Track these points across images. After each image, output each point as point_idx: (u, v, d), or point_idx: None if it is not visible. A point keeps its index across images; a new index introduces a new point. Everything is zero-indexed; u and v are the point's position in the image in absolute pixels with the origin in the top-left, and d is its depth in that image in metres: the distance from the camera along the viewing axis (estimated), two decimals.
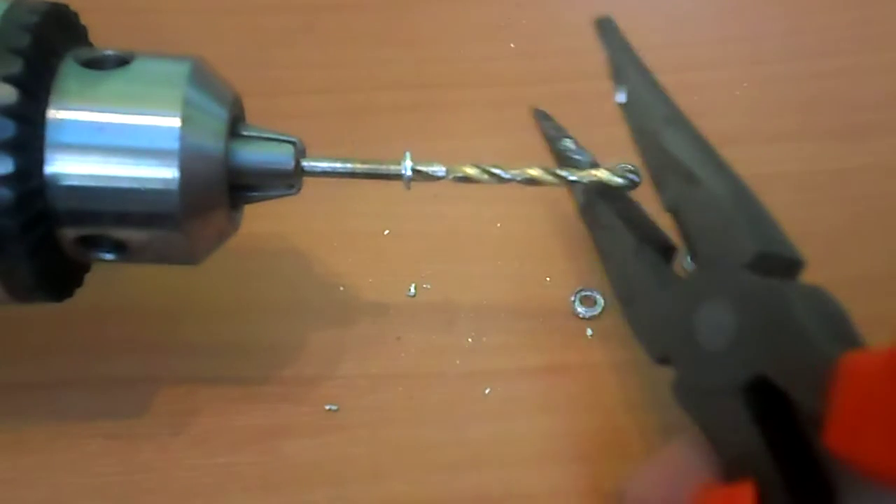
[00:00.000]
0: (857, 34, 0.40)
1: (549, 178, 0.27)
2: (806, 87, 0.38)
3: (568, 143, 0.30)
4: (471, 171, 0.27)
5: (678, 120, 0.25)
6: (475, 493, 0.28)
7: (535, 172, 0.27)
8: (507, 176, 0.27)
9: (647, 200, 0.28)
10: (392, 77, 0.39)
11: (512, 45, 0.40)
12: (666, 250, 0.26)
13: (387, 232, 0.34)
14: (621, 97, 0.27)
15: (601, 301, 0.32)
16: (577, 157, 0.29)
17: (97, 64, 0.24)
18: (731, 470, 0.21)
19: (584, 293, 0.32)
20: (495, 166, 0.27)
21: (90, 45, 0.26)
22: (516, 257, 0.33)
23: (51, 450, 0.28)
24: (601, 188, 0.27)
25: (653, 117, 0.25)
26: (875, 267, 0.32)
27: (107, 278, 0.30)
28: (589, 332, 0.31)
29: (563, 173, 0.27)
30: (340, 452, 0.29)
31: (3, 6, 0.23)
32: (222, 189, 0.24)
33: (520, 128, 0.37)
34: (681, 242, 0.25)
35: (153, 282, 0.32)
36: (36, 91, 0.23)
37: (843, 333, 0.21)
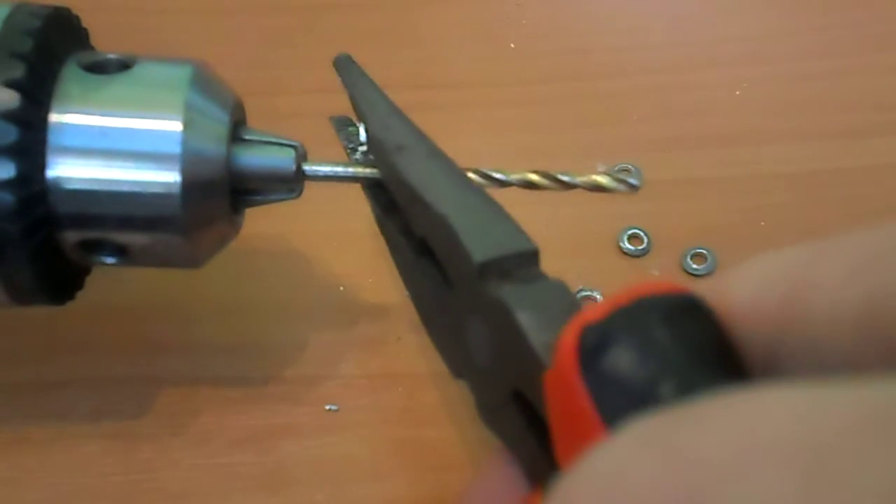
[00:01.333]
0: (857, 34, 0.40)
1: (548, 182, 0.27)
2: (806, 87, 0.38)
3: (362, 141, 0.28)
4: (470, 176, 0.27)
5: (414, 145, 0.25)
6: None
7: (534, 177, 0.27)
8: (506, 179, 0.27)
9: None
10: (392, 77, 0.38)
11: (512, 45, 0.40)
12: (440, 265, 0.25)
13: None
14: (363, 133, 0.27)
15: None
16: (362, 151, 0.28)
17: (99, 68, 0.24)
18: (530, 482, 0.21)
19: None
20: (495, 170, 0.27)
21: (92, 48, 0.26)
22: None
23: (51, 450, 0.28)
24: (387, 201, 0.26)
25: (387, 149, 0.25)
26: None
27: (107, 278, 0.30)
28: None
29: (564, 178, 0.27)
30: (340, 452, 0.29)
31: (4, 10, 0.23)
32: (224, 193, 0.24)
33: (520, 128, 0.37)
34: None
35: (153, 282, 0.32)
36: (38, 95, 0.23)
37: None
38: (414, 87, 0.38)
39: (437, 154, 0.25)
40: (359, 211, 0.34)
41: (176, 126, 0.23)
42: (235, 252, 0.31)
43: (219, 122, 0.24)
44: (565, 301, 0.20)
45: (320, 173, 0.26)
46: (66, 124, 0.23)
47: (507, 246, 0.22)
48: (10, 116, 0.22)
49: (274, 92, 0.37)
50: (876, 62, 0.39)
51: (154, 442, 0.29)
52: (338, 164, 0.26)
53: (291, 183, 0.26)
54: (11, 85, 0.22)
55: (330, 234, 0.33)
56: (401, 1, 0.41)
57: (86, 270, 0.27)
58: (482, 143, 0.36)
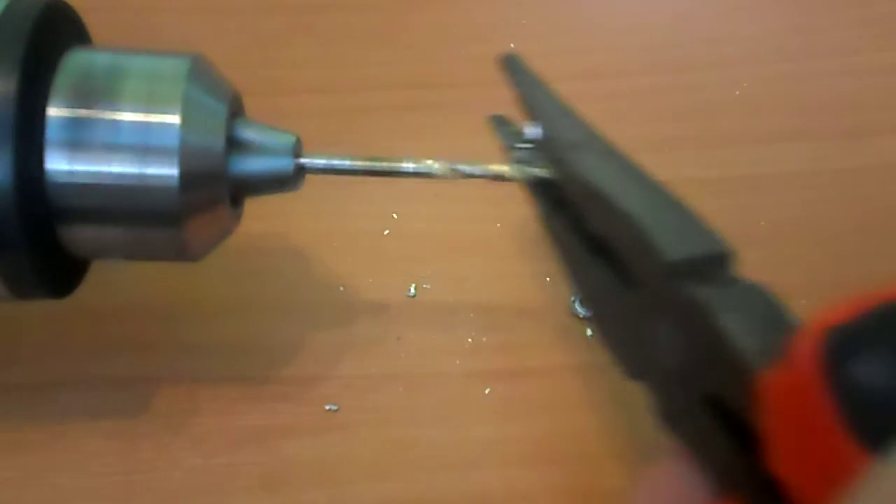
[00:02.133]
0: (857, 34, 0.40)
1: (518, 174, 0.26)
2: (806, 87, 0.38)
3: (529, 133, 0.28)
4: (442, 166, 0.26)
5: (588, 142, 0.25)
6: (475, 493, 0.28)
7: (504, 169, 0.27)
8: (476, 172, 0.26)
9: None
10: (392, 77, 0.39)
11: (512, 45, 0.40)
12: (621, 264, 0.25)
13: (387, 232, 0.34)
14: (536, 131, 0.26)
15: None
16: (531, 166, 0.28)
17: (97, 61, 0.24)
18: (718, 488, 0.20)
19: None
20: (464, 162, 0.27)
21: (90, 41, 0.26)
22: (516, 257, 0.33)
23: (51, 450, 0.28)
24: (558, 199, 0.26)
25: (563, 147, 0.25)
26: (875, 267, 0.32)
27: (107, 278, 0.30)
28: (589, 332, 0.31)
29: (533, 170, 0.26)
30: (340, 452, 0.29)
31: (2, 3, 0.23)
32: (222, 185, 0.24)
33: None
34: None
35: (153, 282, 0.32)
36: (36, 85, 0.23)
37: (776, 341, 0.19)
38: (414, 87, 0.38)
39: (613, 152, 0.24)
40: (358, 210, 0.34)
41: (174, 119, 0.23)
42: (235, 252, 0.31)
43: (217, 115, 0.24)
44: (768, 304, 0.19)
45: (318, 166, 0.26)
46: (64, 117, 0.23)
47: (699, 246, 0.21)
48: (8, 108, 0.22)
49: (274, 92, 0.37)
50: (875, 62, 0.39)
51: (154, 442, 0.29)
52: (335, 156, 0.26)
53: (290, 175, 0.26)
54: (9, 75, 0.22)
55: (330, 234, 0.33)
56: (401, 1, 0.41)
57: (86, 265, 0.27)
58: (482, 142, 0.36)
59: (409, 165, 0.26)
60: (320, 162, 0.26)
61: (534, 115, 0.26)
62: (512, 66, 0.27)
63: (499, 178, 0.27)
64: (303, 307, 0.32)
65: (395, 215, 0.34)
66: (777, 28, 0.40)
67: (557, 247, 0.26)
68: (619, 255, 0.23)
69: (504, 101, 0.38)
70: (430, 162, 0.26)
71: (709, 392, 0.20)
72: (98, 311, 0.31)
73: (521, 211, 0.35)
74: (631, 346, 0.23)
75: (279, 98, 0.37)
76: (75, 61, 0.24)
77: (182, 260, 0.26)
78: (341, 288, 0.32)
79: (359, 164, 0.26)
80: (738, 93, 0.38)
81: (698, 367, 0.20)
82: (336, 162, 0.26)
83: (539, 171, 0.26)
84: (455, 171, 0.26)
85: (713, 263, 0.21)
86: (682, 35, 0.40)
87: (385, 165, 0.26)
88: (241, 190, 0.26)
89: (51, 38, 0.24)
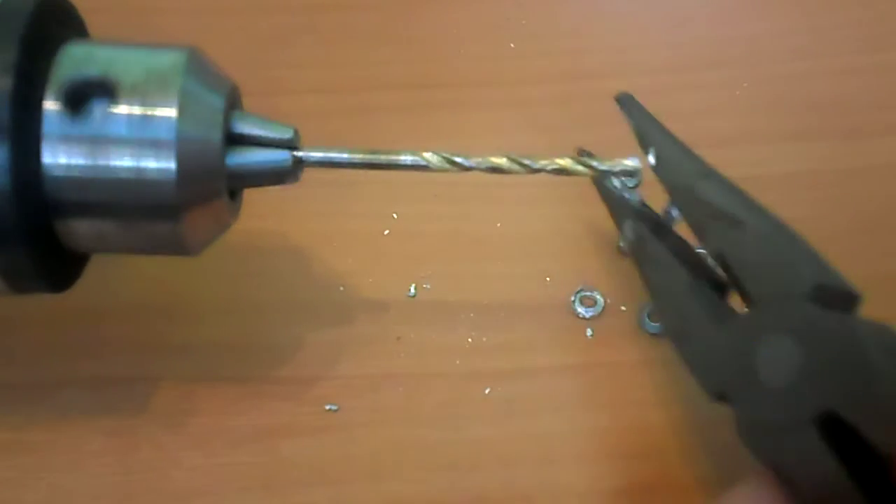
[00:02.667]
0: (857, 34, 0.40)
1: (514, 166, 0.27)
2: (806, 87, 0.38)
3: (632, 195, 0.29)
4: (439, 159, 0.26)
5: (711, 173, 0.26)
6: (475, 493, 0.28)
7: (499, 162, 0.27)
8: (471, 164, 0.26)
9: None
10: (392, 77, 0.39)
11: (512, 45, 0.40)
12: (721, 287, 0.26)
13: (387, 232, 0.34)
14: (651, 159, 0.27)
15: (601, 301, 0.32)
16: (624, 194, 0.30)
17: (94, 54, 0.24)
18: None
19: (584, 293, 0.32)
20: (459, 155, 0.26)
21: (88, 35, 0.26)
22: (516, 257, 0.33)
23: (51, 450, 0.28)
24: (653, 225, 0.28)
25: (685, 173, 0.26)
26: (876, 267, 0.32)
27: (106, 278, 0.30)
28: (589, 332, 0.31)
29: (527, 162, 0.27)
30: (340, 452, 0.29)
31: None
32: (220, 179, 0.24)
33: (520, 128, 0.37)
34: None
35: (152, 281, 0.32)
36: (32, 79, 0.23)
37: None
38: (414, 87, 0.38)
39: (735, 186, 0.26)
40: (358, 211, 0.34)
41: (171, 112, 0.23)
42: (235, 252, 0.31)
43: (214, 108, 0.24)
44: None
45: (316, 159, 0.26)
46: (61, 111, 0.23)
47: (838, 280, 0.22)
48: (4, 100, 0.22)
49: (274, 92, 0.37)
50: (876, 62, 0.39)
51: (153, 441, 0.29)
52: (333, 149, 0.26)
53: (288, 168, 0.25)
54: (5, 68, 0.22)
55: (330, 234, 0.33)
56: (401, 1, 0.41)
57: (84, 259, 0.27)
58: (482, 143, 0.36)
59: (406, 158, 0.26)
60: (318, 154, 0.26)
61: (648, 144, 0.28)
62: (627, 103, 0.29)
63: (496, 170, 0.27)
64: (303, 307, 0.32)
65: (395, 215, 0.34)
66: (777, 28, 0.40)
67: (651, 268, 0.27)
68: (740, 276, 0.24)
69: (504, 101, 0.38)
70: (427, 154, 0.26)
71: (827, 410, 0.20)
72: (97, 310, 0.31)
73: (521, 211, 0.35)
74: (723, 366, 0.24)
75: (279, 98, 0.37)
76: (72, 55, 0.24)
77: (180, 254, 0.25)
78: (341, 288, 0.32)
79: (357, 157, 0.26)
80: (738, 93, 0.38)
81: (821, 386, 0.20)
82: (334, 155, 0.26)
83: (537, 164, 0.27)
84: (453, 163, 0.26)
85: (845, 299, 0.22)
86: (682, 35, 0.40)
87: (383, 158, 0.26)
88: (239, 183, 0.25)
89: (47, 32, 0.24)
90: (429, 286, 0.32)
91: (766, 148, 0.36)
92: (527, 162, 0.26)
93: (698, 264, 0.27)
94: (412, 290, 0.32)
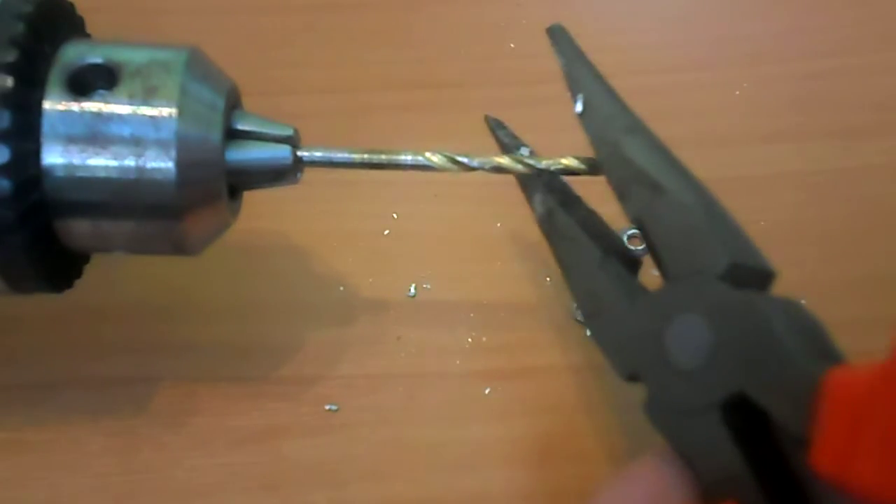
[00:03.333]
0: (857, 34, 0.40)
1: (517, 166, 0.26)
2: (806, 87, 0.38)
3: (523, 152, 0.29)
4: (441, 158, 0.26)
5: (638, 128, 0.25)
6: (475, 493, 0.28)
7: (503, 161, 0.26)
8: (474, 164, 0.26)
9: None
10: (392, 77, 0.39)
11: (512, 45, 0.40)
12: (632, 262, 0.25)
13: (387, 232, 0.34)
14: (578, 106, 0.26)
15: None
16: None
17: (94, 54, 0.24)
18: (710, 492, 0.20)
19: None
20: (462, 154, 0.26)
21: (88, 35, 0.26)
22: (516, 257, 0.33)
23: (51, 450, 0.28)
24: (562, 198, 0.26)
25: (612, 127, 0.25)
26: (875, 267, 0.32)
27: (106, 278, 0.30)
28: (589, 332, 0.31)
29: (531, 161, 0.26)
30: (340, 452, 0.29)
31: None
32: (220, 179, 0.24)
33: (519, 128, 0.37)
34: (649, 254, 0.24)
35: (152, 281, 0.32)
36: (31, 80, 0.23)
37: (823, 349, 0.20)
38: (414, 87, 0.38)
39: (662, 144, 0.24)
40: (358, 210, 0.34)
41: (171, 112, 0.23)
42: (235, 252, 0.31)
43: (214, 108, 0.24)
44: (810, 320, 0.20)
45: (316, 159, 0.26)
46: (61, 109, 0.23)
47: (754, 257, 0.22)
48: (3, 100, 0.22)
49: (274, 92, 0.37)
50: (876, 62, 0.39)
51: (154, 441, 0.29)
52: (334, 149, 0.26)
53: (288, 169, 0.25)
54: (4, 69, 0.22)
55: (330, 234, 0.33)
56: (401, 1, 0.41)
57: (84, 259, 0.27)
58: (482, 142, 0.36)
59: (407, 157, 0.26)
60: (318, 154, 0.26)
61: (576, 90, 0.26)
62: (558, 37, 0.27)
63: (499, 170, 0.26)
64: (303, 307, 0.32)
65: (395, 215, 0.34)
66: (777, 28, 0.40)
67: (559, 242, 0.26)
68: (658, 248, 0.23)
69: (504, 101, 0.38)
70: (428, 154, 0.26)
71: (734, 392, 0.20)
72: (98, 310, 0.31)
73: (521, 211, 0.35)
74: (634, 346, 0.23)
75: (279, 98, 0.37)
76: (71, 54, 0.24)
77: (180, 253, 0.25)
78: (341, 288, 0.32)
79: (357, 156, 0.26)
80: (737, 93, 0.38)
81: (730, 368, 0.20)
82: (334, 154, 0.26)
83: (541, 163, 0.26)
84: (454, 162, 0.26)
85: (758, 277, 0.22)
86: (682, 35, 0.40)
87: (383, 158, 0.26)
88: (239, 180, 0.25)
89: (47, 32, 0.24)
90: (429, 286, 0.32)
91: (765, 148, 0.36)
92: (531, 161, 0.26)
93: (609, 238, 0.26)
94: (412, 290, 0.32)
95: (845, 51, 0.39)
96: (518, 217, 0.34)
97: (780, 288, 0.32)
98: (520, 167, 0.26)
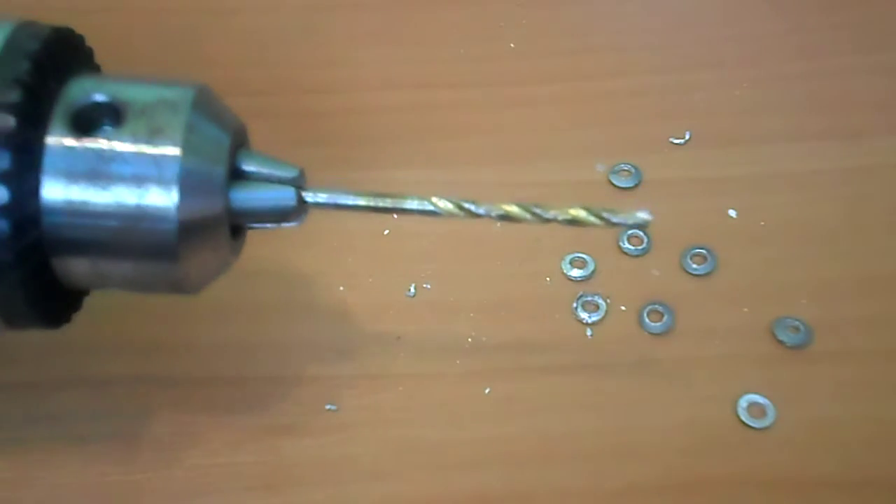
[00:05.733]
0: (857, 34, 0.40)
1: (525, 214, 0.25)
2: (806, 87, 0.38)
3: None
4: (447, 204, 0.26)
5: None
6: (475, 493, 0.28)
7: (510, 209, 0.25)
8: (480, 211, 0.26)
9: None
10: (392, 77, 0.39)
11: (512, 45, 0.40)
12: None
13: (387, 232, 0.34)
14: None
15: (603, 305, 0.32)
16: None
17: (100, 90, 0.23)
18: None
19: (585, 298, 0.32)
20: (469, 201, 0.26)
21: (97, 67, 0.26)
22: (516, 257, 0.33)
23: (51, 450, 0.29)
24: None
25: None
26: (875, 267, 0.32)
27: None
28: (589, 332, 0.31)
29: (538, 211, 0.26)
30: (340, 452, 0.29)
31: (6, 30, 0.23)
32: (222, 220, 0.24)
33: (520, 128, 0.37)
34: None
35: None
36: (35, 118, 0.22)
37: None
38: (414, 87, 0.38)
39: None
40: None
41: (174, 151, 0.23)
42: None
43: (219, 148, 0.24)
44: None
45: (321, 202, 0.25)
46: (63, 147, 0.22)
47: None
48: (6, 140, 0.21)
49: (274, 92, 0.37)
50: (876, 62, 0.39)
51: (154, 442, 0.29)
52: (340, 193, 0.25)
53: (292, 214, 0.25)
54: (7, 109, 0.21)
55: (330, 234, 0.33)
56: (401, 1, 0.41)
57: (81, 295, 0.26)
58: (482, 143, 0.36)
59: (413, 203, 0.26)
60: (323, 196, 0.25)
61: None
62: None
63: (505, 218, 0.26)
64: (303, 307, 0.32)
65: (394, 215, 0.34)
66: (777, 28, 0.40)
67: None
68: None
69: (504, 101, 0.38)
70: (435, 199, 0.26)
71: None
72: (98, 311, 0.31)
73: None
74: None
75: (279, 98, 0.37)
76: (77, 90, 0.23)
77: (179, 293, 0.25)
78: (341, 288, 0.32)
79: (362, 201, 0.25)
80: (737, 93, 0.38)
81: None
82: (339, 198, 0.25)
83: (549, 213, 0.25)
84: (461, 208, 0.25)
85: None
86: (682, 35, 0.40)
87: (389, 202, 0.25)
88: (241, 220, 0.25)
89: (53, 68, 0.23)
90: (429, 286, 0.32)
91: (766, 148, 0.36)
92: (538, 211, 0.25)
93: None
94: (412, 290, 0.32)
95: (845, 51, 0.39)
96: None
97: (780, 287, 0.32)
98: (528, 216, 0.25)
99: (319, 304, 0.32)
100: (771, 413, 0.29)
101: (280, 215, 0.25)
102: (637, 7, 0.42)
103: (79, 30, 0.25)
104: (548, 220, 0.26)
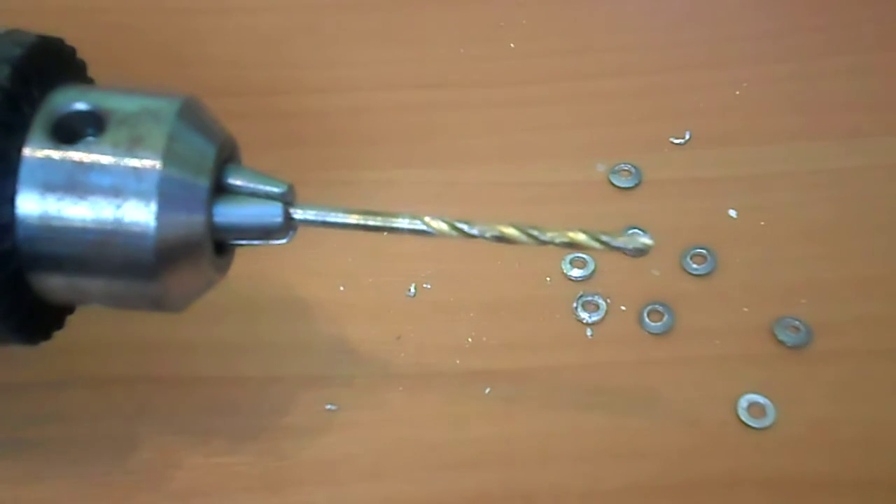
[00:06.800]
0: (858, 34, 0.40)
1: (521, 236, 0.24)
2: (806, 87, 0.38)
3: None
4: (441, 224, 0.24)
5: None
6: (475, 493, 0.28)
7: (505, 230, 0.24)
8: (474, 232, 0.24)
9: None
10: (392, 77, 0.39)
11: (512, 45, 0.40)
12: None
13: (387, 232, 0.34)
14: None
15: (604, 305, 0.32)
16: None
17: (83, 100, 0.23)
18: None
19: (585, 298, 0.32)
20: (462, 221, 0.24)
21: (89, 80, 0.25)
22: (516, 257, 0.33)
23: (51, 450, 0.28)
24: None
25: None
26: (875, 267, 0.32)
27: None
28: (589, 332, 0.31)
29: (535, 233, 0.24)
30: (340, 452, 0.29)
31: None
32: (204, 235, 0.23)
33: (520, 128, 0.37)
34: None
35: None
36: (12, 125, 0.22)
37: None
38: (414, 87, 0.38)
39: None
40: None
41: (154, 164, 0.22)
42: (234, 251, 0.31)
43: (203, 161, 0.23)
44: None
45: (309, 219, 0.24)
46: (40, 158, 0.22)
47: None
48: None
49: (274, 92, 0.37)
50: (876, 62, 0.39)
51: (154, 441, 0.29)
52: (329, 210, 0.24)
53: (279, 232, 0.24)
54: None
55: (330, 234, 0.33)
56: (401, 1, 0.41)
57: (68, 309, 0.26)
58: (482, 143, 0.36)
59: (404, 221, 0.24)
60: (311, 213, 0.24)
61: None
62: None
63: (500, 239, 0.24)
64: (303, 307, 0.32)
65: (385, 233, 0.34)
66: (777, 28, 0.40)
67: None
68: None
69: (504, 101, 0.38)
70: (427, 219, 0.24)
71: None
72: (97, 310, 0.31)
73: (520, 210, 0.35)
74: None
75: (279, 98, 0.37)
76: (60, 98, 0.23)
77: (160, 311, 0.24)
78: (341, 288, 0.32)
79: (352, 219, 0.24)
80: (738, 93, 0.38)
81: None
82: (328, 215, 0.24)
83: (546, 235, 0.24)
84: (454, 228, 0.24)
85: None
86: (682, 35, 0.40)
87: (379, 221, 0.25)
88: (226, 236, 0.24)
89: (36, 76, 0.23)
90: (429, 286, 0.32)
91: (766, 148, 0.36)
92: (535, 233, 0.24)
93: None
94: (412, 289, 0.32)
95: (845, 51, 0.39)
96: (517, 217, 0.34)
97: (780, 287, 0.32)
98: (524, 238, 0.24)
99: (319, 304, 0.32)
100: (771, 413, 0.29)
101: (266, 232, 0.24)
102: (637, 7, 0.41)
103: (77, 29, 0.25)
104: (544, 243, 0.24)
